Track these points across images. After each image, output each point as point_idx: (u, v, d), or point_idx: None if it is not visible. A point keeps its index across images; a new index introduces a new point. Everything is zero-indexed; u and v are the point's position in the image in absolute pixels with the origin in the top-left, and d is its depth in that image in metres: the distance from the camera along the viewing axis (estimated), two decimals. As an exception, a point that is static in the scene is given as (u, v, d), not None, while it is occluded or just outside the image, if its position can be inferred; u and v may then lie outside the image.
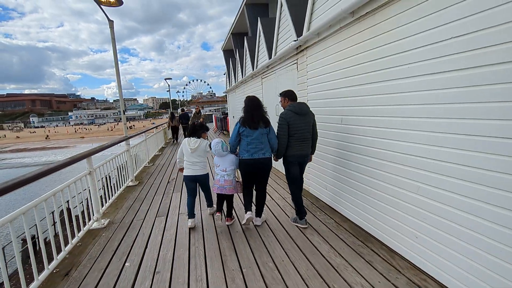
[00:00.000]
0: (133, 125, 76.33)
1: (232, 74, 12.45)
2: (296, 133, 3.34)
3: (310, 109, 3.51)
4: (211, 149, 3.55)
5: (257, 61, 6.84)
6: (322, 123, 3.99)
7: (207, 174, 3.75)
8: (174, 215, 4.17)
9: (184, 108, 26.25)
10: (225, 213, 3.76)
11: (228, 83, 14.20)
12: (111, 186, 4.87)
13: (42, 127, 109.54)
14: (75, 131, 75.36)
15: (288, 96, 3.57)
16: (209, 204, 4.10)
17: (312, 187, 4.68)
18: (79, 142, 48.79)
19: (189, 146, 3.57)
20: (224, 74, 17.38)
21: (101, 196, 4.28)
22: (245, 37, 8.39)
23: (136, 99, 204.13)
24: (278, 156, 3.49)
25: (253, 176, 3.49)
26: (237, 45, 12.33)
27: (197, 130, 3.68)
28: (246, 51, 8.16)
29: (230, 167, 3.48)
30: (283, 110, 3.53)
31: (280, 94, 3.68)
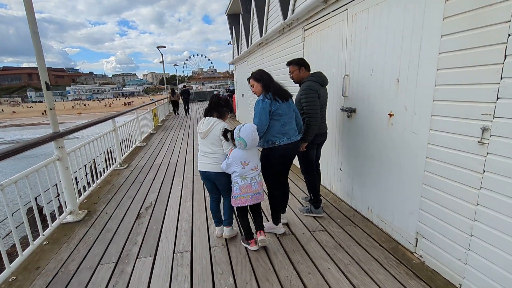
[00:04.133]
0: (132, 101, 75.03)
1: (244, 39, 9.12)
2: (322, 108, 2.87)
3: None
4: (227, 138, 2.43)
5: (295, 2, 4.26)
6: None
7: (223, 172, 2.52)
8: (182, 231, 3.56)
9: (185, 84, 27.14)
10: (255, 227, 2.61)
11: (237, 52, 10.74)
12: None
13: (40, 102, 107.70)
14: (73, 106, 74.06)
15: (305, 65, 2.93)
16: (227, 222, 2.74)
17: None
18: (76, 118, 47.95)
19: (199, 129, 2.56)
20: (229, 44, 16.03)
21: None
22: None
23: (135, 74, 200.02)
24: (310, 136, 2.78)
25: (287, 167, 2.76)
26: (248, 3, 10.91)
27: (219, 105, 2.58)
28: None
29: (259, 162, 2.54)
30: (295, 82, 3.00)
31: (291, 62, 2.99)
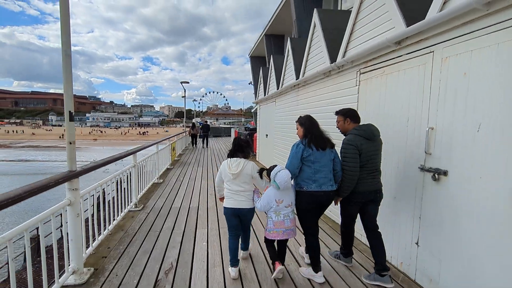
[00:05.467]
0: (147, 131, 76.59)
1: (273, 79, 8.42)
2: (368, 163, 2.62)
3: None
4: (262, 177, 2.76)
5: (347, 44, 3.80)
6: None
7: (253, 208, 2.80)
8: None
9: (205, 119, 29.07)
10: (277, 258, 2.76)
11: (263, 92, 10.25)
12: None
13: (59, 126, 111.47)
14: (89, 132, 75.92)
15: (351, 116, 2.78)
16: (245, 247, 3.12)
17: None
18: (91, 144, 48.77)
19: (230, 171, 2.71)
20: (250, 84, 16.13)
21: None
22: (289, 38, 6.77)
23: (153, 106, 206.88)
24: (345, 192, 2.67)
25: (316, 214, 2.74)
26: (274, 47, 10.78)
27: (243, 147, 2.84)
28: (313, 39, 4.97)
29: (293, 200, 2.70)
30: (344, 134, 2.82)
31: (338, 112, 2.87)
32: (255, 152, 11.25)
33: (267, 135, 9.33)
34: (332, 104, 4.25)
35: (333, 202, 2.77)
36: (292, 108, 6.43)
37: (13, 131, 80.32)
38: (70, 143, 2.64)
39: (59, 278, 2.53)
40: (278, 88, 7.58)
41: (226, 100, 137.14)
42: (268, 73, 9.12)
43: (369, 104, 3.48)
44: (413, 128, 2.72)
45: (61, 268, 2.62)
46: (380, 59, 3.23)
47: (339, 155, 2.70)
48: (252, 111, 20.12)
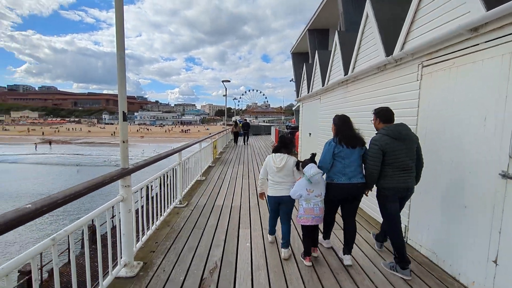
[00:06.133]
0: (189, 129, 79.98)
1: (318, 76, 7.97)
2: (395, 162, 2.74)
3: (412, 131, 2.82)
4: (299, 169, 3.06)
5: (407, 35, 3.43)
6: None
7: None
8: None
9: (245, 117, 32.95)
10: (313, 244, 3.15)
11: (306, 89, 9.69)
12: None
13: (111, 124, 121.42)
14: (137, 130, 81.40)
15: (381, 116, 2.92)
16: (285, 244, 3.19)
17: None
18: (139, 141, 52.29)
19: (275, 164, 3.09)
20: (291, 81, 15.87)
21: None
22: (336, 31, 6.32)
23: (194, 104, 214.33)
24: (369, 185, 2.93)
25: (343, 203, 3.08)
26: (318, 42, 10.30)
27: (287, 144, 3.22)
28: (364, 31, 4.67)
29: (323, 192, 2.98)
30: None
31: (374, 111, 3.03)
32: (297, 151, 10.90)
33: (310, 133, 8.97)
34: (389, 100, 3.88)
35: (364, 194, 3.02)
36: (339, 105, 6.07)
37: (72, 128, 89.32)
38: (123, 141, 2.72)
39: (112, 270, 2.63)
40: (323, 85, 7.21)
41: (266, 98, 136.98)
42: (312, 69, 8.71)
43: (433, 101, 3.10)
44: (493, 128, 2.33)
45: (114, 260, 2.72)
46: (448, 49, 2.84)
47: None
48: (293, 109, 19.76)
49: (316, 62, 8.10)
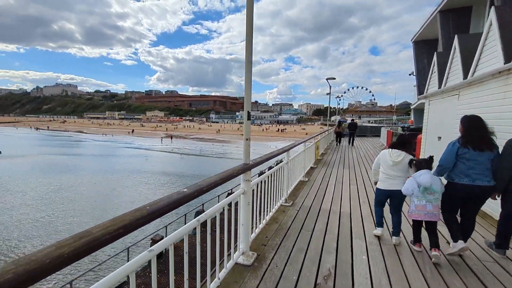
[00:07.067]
0: (285, 128, 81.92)
1: (457, 66, 6.82)
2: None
3: None
4: (411, 166, 3.23)
5: None
6: None
7: None
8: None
9: (346, 116, 32.20)
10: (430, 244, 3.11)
11: (437, 83, 8.38)
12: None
13: (217, 122, 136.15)
14: (238, 128, 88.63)
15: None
16: (396, 232, 3.47)
17: None
18: (239, 138, 56.93)
19: (391, 158, 3.33)
20: (411, 75, 14.06)
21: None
22: (493, 7, 4.71)
23: (292, 104, 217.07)
24: (499, 188, 2.88)
25: (464, 204, 3.08)
26: (454, 26, 8.55)
27: (404, 143, 3.43)
28: None
29: (439, 190, 2.97)
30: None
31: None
32: (418, 155, 9.15)
33: (439, 137, 7.22)
34: None
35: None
36: (492, 102, 4.74)
37: (187, 126, 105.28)
38: (247, 139, 2.89)
39: (233, 255, 2.81)
40: (465, 77, 5.89)
41: (373, 95, 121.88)
42: (446, 59, 7.23)
43: None
44: None
45: (229, 247, 2.91)
46: None
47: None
48: (412, 107, 17.16)
49: (455, 49, 6.63)
